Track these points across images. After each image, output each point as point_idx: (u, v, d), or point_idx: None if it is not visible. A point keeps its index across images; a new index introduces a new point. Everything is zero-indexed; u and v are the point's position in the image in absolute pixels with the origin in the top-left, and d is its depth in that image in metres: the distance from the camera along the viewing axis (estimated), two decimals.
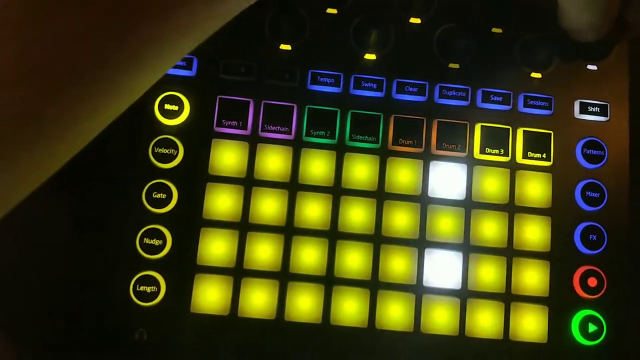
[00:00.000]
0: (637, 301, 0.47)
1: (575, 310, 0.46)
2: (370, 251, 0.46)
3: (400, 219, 0.47)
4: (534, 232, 0.47)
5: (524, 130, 0.49)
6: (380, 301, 0.46)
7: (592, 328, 0.46)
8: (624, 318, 0.46)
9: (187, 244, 0.46)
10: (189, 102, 0.47)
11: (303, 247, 0.46)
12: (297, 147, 0.47)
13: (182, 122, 0.47)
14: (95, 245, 0.46)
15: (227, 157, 0.47)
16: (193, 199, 0.46)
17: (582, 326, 0.46)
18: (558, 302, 0.46)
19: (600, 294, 0.46)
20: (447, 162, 0.48)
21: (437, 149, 0.48)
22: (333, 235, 0.46)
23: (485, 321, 0.46)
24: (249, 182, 0.47)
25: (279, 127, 0.47)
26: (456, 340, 0.45)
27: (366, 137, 0.48)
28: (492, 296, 0.46)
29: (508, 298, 0.46)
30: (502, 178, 0.48)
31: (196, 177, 0.47)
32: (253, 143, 0.47)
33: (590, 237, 0.47)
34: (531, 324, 0.46)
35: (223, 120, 0.47)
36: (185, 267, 0.45)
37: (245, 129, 0.47)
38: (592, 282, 0.46)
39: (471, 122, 0.48)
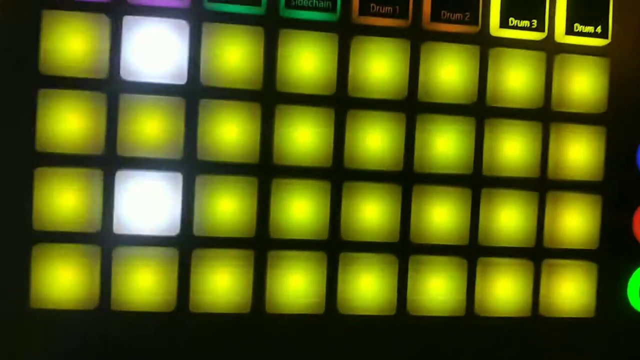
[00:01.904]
0: None
1: (633, 267, 0.31)
2: (327, 195, 0.29)
3: (375, 140, 0.29)
4: (579, 152, 0.30)
5: None
6: (343, 268, 0.29)
7: None
8: None
9: (12, 196, 0.27)
10: None
11: (215, 191, 0.28)
12: (197, 22, 0.28)
13: None
14: None
15: (72, 42, 0.27)
16: (19, 121, 0.27)
17: None
18: (611, 257, 0.31)
19: None
20: (448, 42, 0.29)
21: (432, 20, 0.29)
22: (265, 171, 0.28)
23: (504, 291, 0.30)
24: (113, 86, 0.27)
25: None
26: (461, 322, 0.30)
27: (314, 1, 0.28)
28: (513, 252, 0.30)
29: (538, 254, 0.30)
30: (533, 67, 0.30)
31: (17, 79, 0.26)
32: (117, 15, 0.27)
33: None
34: (571, 292, 0.30)
35: None
36: (13, 234, 0.27)
37: None
38: None
39: None
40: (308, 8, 0.28)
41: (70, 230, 0.27)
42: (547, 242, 0.30)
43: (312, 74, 0.28)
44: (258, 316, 0.28)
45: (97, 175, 0.27)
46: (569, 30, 0.30)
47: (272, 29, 0.28)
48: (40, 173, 0.27)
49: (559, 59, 0.30)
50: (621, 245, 0.31)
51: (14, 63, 0.26)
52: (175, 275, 0.28)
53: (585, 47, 0.30)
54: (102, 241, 0.27)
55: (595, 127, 0.30)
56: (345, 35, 0.28)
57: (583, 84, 0.30)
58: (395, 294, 0.29)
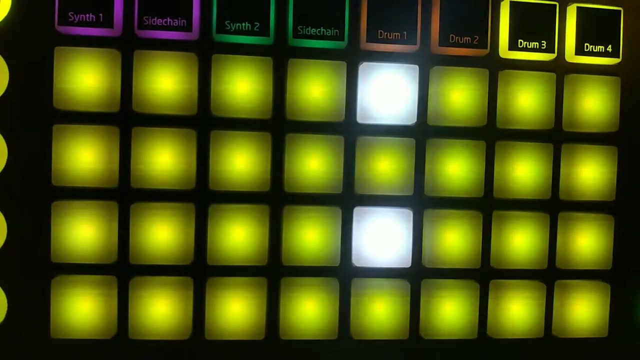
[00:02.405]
0: None
1: None
2: (338, 218, 0.29)
3: (384, 165, 0.29)
4: (592, 170, 0.30)
5: (578, 8, 0.30)
6: (355, 294, 0.29)
7: None
8: None
9: (31, 230, 0.27)
10: None
11: (231, 221, 0.28)
12: (205, 53, 0.28)
13: (0, 22, 0.27)
14: None
15: (84, 77, 0.27)
16: (32, 153, 0.27)
17: None
18: (625, 277, 0.31)
19: None
20: (457, 66, 0.29)
21: (440, 44, 0.29)
22: (276, 199, 0.28)
23: (517, 313, 0.30)
24: (125, 119, 0.28)
25: (169, 20, 0.27)
26: (475, 344, 0.30)
27: (323, 30, 0.28)
28: (526, 274, 0.30)
29: (551, 275, 0.30)
30: (544, 87, 0.30)
31: (33, 116, 0.27)
32: (128, 50, 0.27)
33: None
34: (584, 312, 0.30)
35: (70, 14, 0.27)
36: (33, 268, 0.27)
37: (111, 25, 0.27)
38: None
39: None
40: (316, 37, 0.28)
41: (86, 262, 0.28)
42: (559, 263, 0.30)
43: (321, 100, 0.28)
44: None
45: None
46: (579, 50, 0.30)
47: (280, 57, 0.28)
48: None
49: (569, 79, 0.30)
50: (635, 265, 0.31)
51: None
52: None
53: (595, 66, 0.30)
54: (119, 270, 0.28)
55: (606, 147, 0.30)
56: (354, 61, 0.29)
57: (594, 103, 0.30)
58: (408, 318, 0.29)
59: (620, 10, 0.30)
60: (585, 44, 0.30)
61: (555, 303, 0.30)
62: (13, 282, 0.27)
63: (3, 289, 0.27)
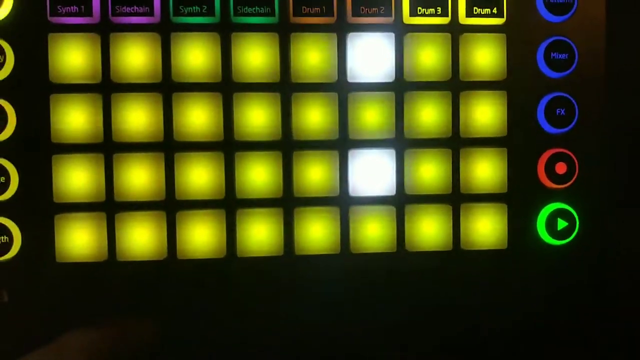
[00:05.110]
0: (614, 187, 0.38)
1: (540, 206, 0.37)
2: (280, 161, 0.36)
3: (314, 115, 0.36)
4: (486, 112, 0.37)
5: None
6: (298, 221, 0.36)
7: (562, 224, 0.37)
8: (599, 209, 0.37)
9: (37, 177, 0.35)
10: None
11: (190, 165, 0.36)
12: (165, 32, 0.35)
13: (5, 17, 0.34)
14: None
15: (73, 56, 0.35)
16: (35, 118, 0.35)
17: (549, 223, 0.37)
18: (519, 198, 0.37)
19: (571, 181, 0.37)
20: (369, 32, 0.36)
21: (353, 15, 0.36)
22: (228, 146, 0.36)
23: (429, 230, 0.37)
24: (106, 88, 0.35)
25: (136, 8, 0.35)
26: (395, 257, 0.37)
27: (257, 8, 0.35)
28: (436, 199, 0.37)
29: (456, 199, 0.37)
30: (441, 46, 0.37)
31: (34, 88, 0.35)
32: (105, 33, 0.35)
33: (557, 111, 0.37)
34: (487, 228, 0.37)
35: (58, 7, 0.34)
36: (40, 207, 0.35)
37: (91, 14, 0.35)
38: (561, 168, 0.37)
39: None
40: (252, 14, 0.35)
41: (80, 201, 0.35)
42: (463, 189, 0.37)
43: (260, 65, 0.36)
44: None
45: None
46: (469, 13, 0.36)
47: (225, 32, 0.35)
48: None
49: (463, 38, 0.37)
50: (529, 189, 0.37)
51: None
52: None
53: (484, 26, 0.37)
54: (107, 207, 0.35)
55: (496, 91, 0.37)
56: (285, 33, 0.36)
57: (485, 56, 0.37)
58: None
59: None
60: (474, 8, 0.36)
61: (462, 222, 0.37)
62: (24, 221, 0.35)
63: (18, 227, 0.35)
